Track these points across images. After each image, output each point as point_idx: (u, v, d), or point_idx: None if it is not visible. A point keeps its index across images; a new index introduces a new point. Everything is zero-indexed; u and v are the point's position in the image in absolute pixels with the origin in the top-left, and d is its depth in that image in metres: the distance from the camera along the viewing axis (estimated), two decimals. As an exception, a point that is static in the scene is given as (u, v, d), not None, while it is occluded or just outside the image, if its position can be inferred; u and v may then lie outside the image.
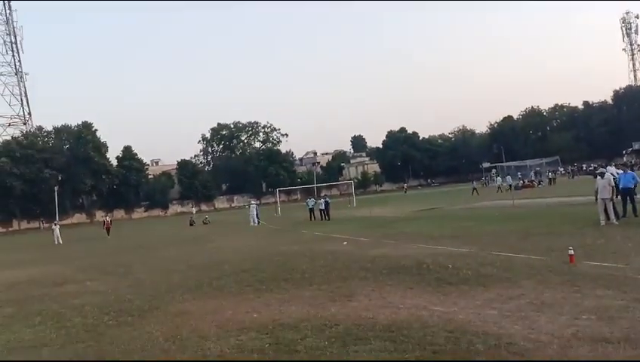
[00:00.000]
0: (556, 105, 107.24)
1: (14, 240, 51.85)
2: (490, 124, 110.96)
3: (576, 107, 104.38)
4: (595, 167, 24.59)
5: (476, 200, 37.99)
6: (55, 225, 37.94)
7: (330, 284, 9.73)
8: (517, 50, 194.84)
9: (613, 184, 15.74)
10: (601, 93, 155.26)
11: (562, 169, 73.83)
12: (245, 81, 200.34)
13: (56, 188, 74.53)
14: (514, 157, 77.26)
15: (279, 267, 12.75)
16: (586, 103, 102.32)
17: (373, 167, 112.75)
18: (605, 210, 15.29)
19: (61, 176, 77.21)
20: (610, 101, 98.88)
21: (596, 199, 15.75)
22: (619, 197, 16.39)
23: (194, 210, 75.19)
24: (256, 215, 35.62)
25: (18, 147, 77.32)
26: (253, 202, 44.79)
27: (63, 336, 7.65)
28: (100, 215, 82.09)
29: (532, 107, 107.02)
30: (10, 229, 76.85)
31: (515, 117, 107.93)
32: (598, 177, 16.10)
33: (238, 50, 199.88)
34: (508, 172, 58.73)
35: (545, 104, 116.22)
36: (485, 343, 5.54)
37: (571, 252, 9.74)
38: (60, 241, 34.44)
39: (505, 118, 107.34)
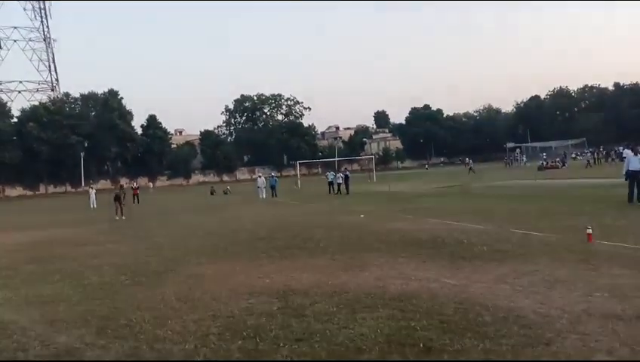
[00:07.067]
0: (585, 86, 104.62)
1: (41, 203, 53.01)
2: (517, 103, 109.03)
3: (607, 88, 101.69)
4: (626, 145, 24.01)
5: (505, 177, 37.49)
6: (91, 188, 37.37)
7: (344, 254, 9.78)
8: (548, 27, 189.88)
9: None
10: (634, 75, 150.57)
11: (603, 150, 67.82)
12: (270, 54, 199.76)
13: (82, 154, 75.91)
14: (539, 137, 75.61)
15: (295, 236, 12.84)
16: (616, 85, 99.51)
17: (396, 144, 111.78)
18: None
19: (87, 142, 78.43)
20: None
21: (627, 178, 15.19)
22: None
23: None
24: (273, 187, 34.05)
25: (45, 112, 78.56)
26: (260, 174, 41.45)
27: (80, 293, 7.86)
28: (124, 182, 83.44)
29: (560, 87, 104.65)
30: (38, 193, 78.64)
31: (543, 97, 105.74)
32: (632, 154, 15.52)
33: (263, 23, 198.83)
34: (525, 153, 58.00)
35: (574, 84, 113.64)
36: (494, 315, 5.51)
37: (589, 231, 9.57)
38: (95, 205, 33.47)
39: (532, 98, 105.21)
